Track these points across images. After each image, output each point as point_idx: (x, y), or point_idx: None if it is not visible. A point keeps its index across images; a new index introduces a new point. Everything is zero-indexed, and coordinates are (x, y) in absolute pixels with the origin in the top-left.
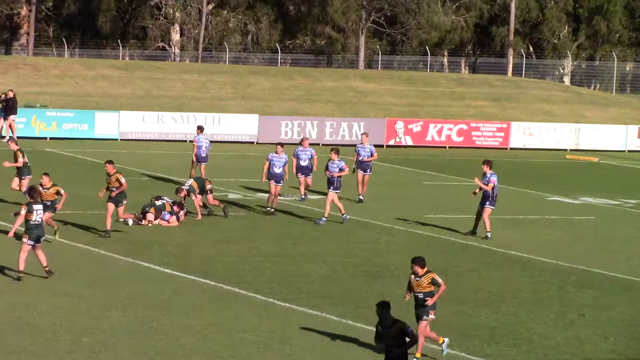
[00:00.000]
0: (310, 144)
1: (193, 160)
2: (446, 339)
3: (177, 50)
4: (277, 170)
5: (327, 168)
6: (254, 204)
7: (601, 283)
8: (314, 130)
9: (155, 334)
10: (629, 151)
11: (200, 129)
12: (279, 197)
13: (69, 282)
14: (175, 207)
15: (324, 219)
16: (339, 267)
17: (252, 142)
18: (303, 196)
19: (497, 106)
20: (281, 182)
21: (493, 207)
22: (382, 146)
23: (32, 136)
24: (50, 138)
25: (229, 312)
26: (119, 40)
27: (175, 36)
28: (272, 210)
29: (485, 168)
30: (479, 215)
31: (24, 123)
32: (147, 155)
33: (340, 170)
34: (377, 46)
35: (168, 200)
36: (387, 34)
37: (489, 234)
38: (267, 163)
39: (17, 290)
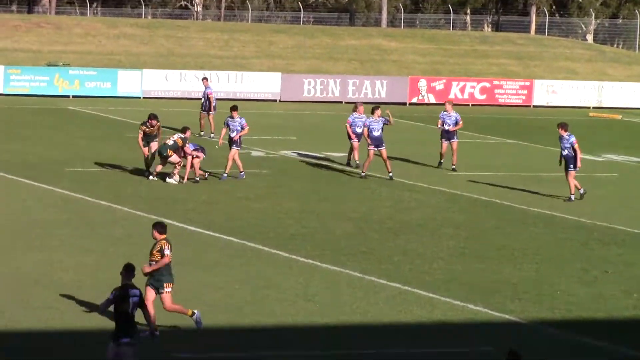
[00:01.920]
0: (333, 102)
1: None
2: (196, 311)
3: (199, 9)
4: (376, 133)
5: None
6: (277, 162)
7: (624, 240)
8: (337, 89)
9: (178, 290)
10: None
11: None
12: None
13: (93, 239)
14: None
15: (225, 175)
16: (363, 224)
17: (275, 100)
18: (357, 161)
19: (520, 64)
20: (383, 145)
21: (577, 169)
22: (404, 104)
23: (55, 94)
24: (73, 96)
25: (253, 269)
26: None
27: None
28: (363, 174)
29: (562, 131)
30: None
31: (47, 82)
32: (170, 113)
33: None
34: (400, 4)
35: (180, 135)
36: None
37: (572, 197)
38: (366, 129)
39: (42, 248)
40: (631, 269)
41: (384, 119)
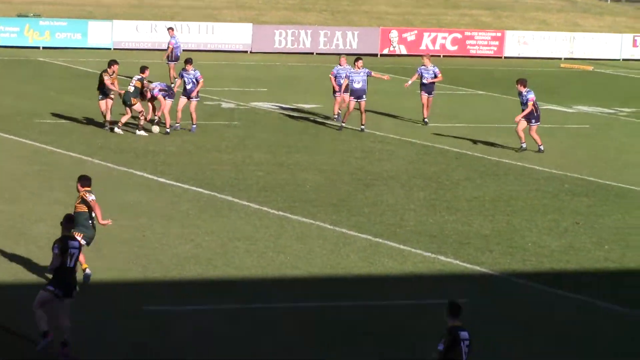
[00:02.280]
0: (302, 54)
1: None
2: (87, 269)
3: None
4: (357, 85)
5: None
6: (248, 113)
7: (595, 191)
8: (308, 40)
9: (149, 242)
10: (623, 60)
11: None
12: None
13: (62, 191)
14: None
15: (178, 125)
16: (334, 176)
17: (246, 52)
18: (336, 116)
19: (492, 15)
20: (363, 97)
21: (539, 123)
22: (376, 55)
23: (25, 45)
24: (43, 47)
25: (223, 220)
26: None
27: None
28: (343, 124)
29: (520, 87)
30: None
31: (17, 32)
32: (140, 64)
33: None
34: None
35: (137, 77)
36: None
37: (541, 147)
38: (346, 80)
39: (11, 200)
40: (601, 220)
41: (366, 71)
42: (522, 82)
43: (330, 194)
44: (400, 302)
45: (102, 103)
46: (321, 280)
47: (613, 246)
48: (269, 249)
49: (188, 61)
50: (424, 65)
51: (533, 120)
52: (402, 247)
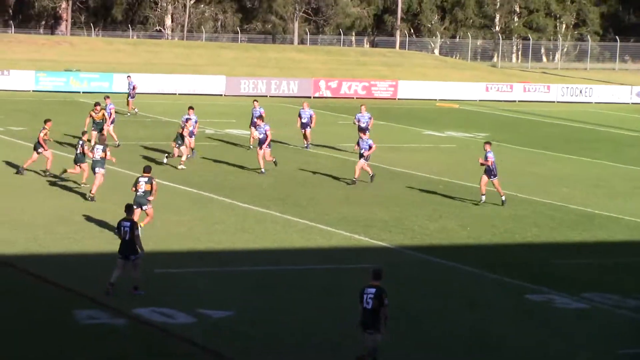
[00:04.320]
0: (260, 97)
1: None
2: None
3: (169, 32)
4: (305, 120)
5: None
6: (222, 137)
7: (459, 190)
8: (264, 86)
9: (155, 227)
10: (479, 100)
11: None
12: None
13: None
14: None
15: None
16: (281, 179)
17: (221, 95)
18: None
19: (389, 70)
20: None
21: (496, 176)
22: (309, 97)
23: (70, 91)
24: (82, 92)
25: (206, 210)
26: (129, 25)
27: (168, 22)
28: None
29: (487, 147)
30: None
31: (64, 82)
32: (153, 104)
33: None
34: (307, 29)
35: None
36: (313, 20)
37: (503, 197)
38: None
39: (58, 195)
40: (465, 210)
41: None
42: (489, 143)
43: (279, 192)
44: (329, 266)
45: (94, 134)
46: (273, 251)
47: (474, 227)
48: (238, 229)
49: (190, 107)
50: (360, 113)
51: (492, 176)
52: (328, 228)
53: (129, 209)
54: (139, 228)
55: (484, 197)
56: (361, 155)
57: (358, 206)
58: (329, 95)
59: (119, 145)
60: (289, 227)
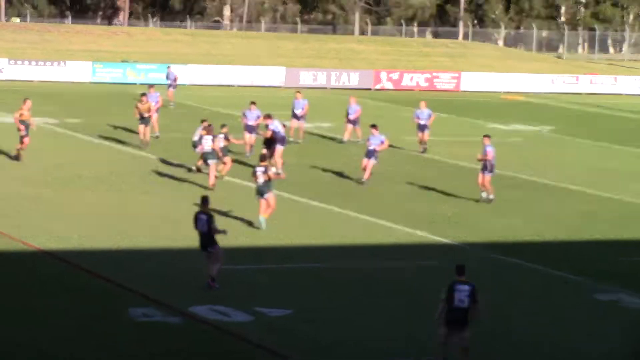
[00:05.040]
0: (320, 88)
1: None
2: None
3: (227, 22)
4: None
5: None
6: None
7: (525, 185)
8: (324, 78)
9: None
10: (545, 92)
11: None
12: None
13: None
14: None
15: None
16: (343, 173)
17: (280, 87)
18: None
19: (452, 61)
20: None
21: (492, 172)
22: (370, 89)
23: (127, 82)
24: (139, 84)
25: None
26: (187, 15)
27: (227, 12)
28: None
29: (486, 140)
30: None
31: (121, 73)
32: (209, 97)
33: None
34: (368, 20)
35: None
36: (375, 11)
37: (491, 196)
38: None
39: (120, 190)
40: (530, 206)
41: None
42: (487, 137)
43: (339, 187)
44: (390, 263)
45: (141, 127)
46: (332, 248)
47: (540, 225)
48: (297, 225)
49: (252, 102)
50: (419, 109)
51: (486, 172)
52: (390, 225)
53: (204, 201)
54: (212, 217)
55: (484, 194)
56: (370, 153)
57: (420, 202)
58: (390, 87)
59: (158, 136)
60: (349, 222)
